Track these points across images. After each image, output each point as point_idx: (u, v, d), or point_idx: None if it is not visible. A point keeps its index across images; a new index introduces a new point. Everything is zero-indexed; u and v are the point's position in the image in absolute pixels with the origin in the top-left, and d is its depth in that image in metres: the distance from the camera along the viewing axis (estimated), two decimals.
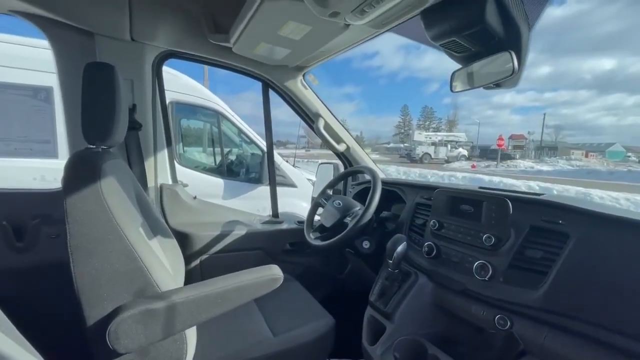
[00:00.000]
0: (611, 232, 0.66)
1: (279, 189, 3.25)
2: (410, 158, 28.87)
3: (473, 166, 21.66)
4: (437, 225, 0.98)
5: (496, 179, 10.18)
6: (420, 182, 1.26)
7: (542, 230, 0.76)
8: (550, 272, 0.69)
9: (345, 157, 1.74)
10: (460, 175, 11.14)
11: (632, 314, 0.57)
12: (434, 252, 0.96)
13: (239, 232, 1.49)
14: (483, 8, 0.75)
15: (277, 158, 3.38)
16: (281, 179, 3.34)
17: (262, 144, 3.28)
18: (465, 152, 30.89)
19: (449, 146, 30.12)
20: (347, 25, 0.97)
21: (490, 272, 0.80)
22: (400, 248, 0.95)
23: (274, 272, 0.83)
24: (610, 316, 0.60)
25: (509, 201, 0.81)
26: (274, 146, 1.84)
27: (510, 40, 0.80)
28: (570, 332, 0.65)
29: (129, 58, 1.24)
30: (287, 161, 3.56)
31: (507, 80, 0.84)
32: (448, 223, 0.96)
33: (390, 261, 0.95)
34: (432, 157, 28.69)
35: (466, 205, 0.92)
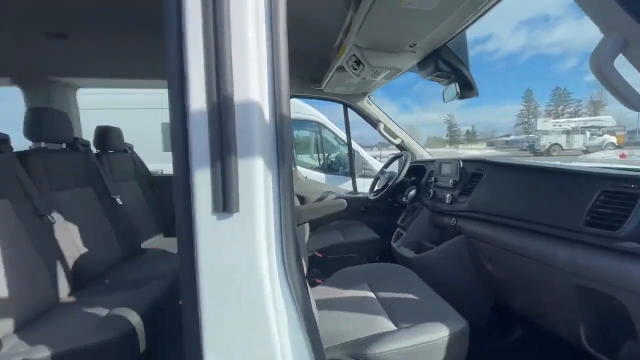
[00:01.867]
0: (502, 171, 1.31)
1: (368, 180, 4.14)
2: (533, 150, 24.62)
3: (622, 155, 17.50)
4: (435, 180, 1.71)
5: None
6: (432, 159, 1.96)
7: (474, 174, 1.44)
8: (472, 193, 1.38)
9: (403, 147, 2.51)
10: None
11: (509, 208, 1.21)
12: (432, 195, 1.69)
13: (331, 196, 2.45)
14: (437, 63, 1.49)
15: (366, 156, 4.31)
16: (369, 172, 4.25)
17: (355, 145, 4.26)
18: (613, 140, 24.54)
19: (587, 133, 24.54)
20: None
21: (451, 199, 1.50)
22: (411, 193, 1.73)
23: (339, 202, 1.73)
24: (500, 211, 1.24)
25: (460, 161, 1.51)
26: (376, 147, 2.71)
27: (458, 75, 1.50)
28: (482, 221, 1.32)
29: None
30: (375, 158, 4.46)
31: (464, 94, 1.54)
32: (440, 177, 1.68)
33: (406, 200, 1.74)
34: (564, 147, 23.87)
35: (447, 168, 1.63)
